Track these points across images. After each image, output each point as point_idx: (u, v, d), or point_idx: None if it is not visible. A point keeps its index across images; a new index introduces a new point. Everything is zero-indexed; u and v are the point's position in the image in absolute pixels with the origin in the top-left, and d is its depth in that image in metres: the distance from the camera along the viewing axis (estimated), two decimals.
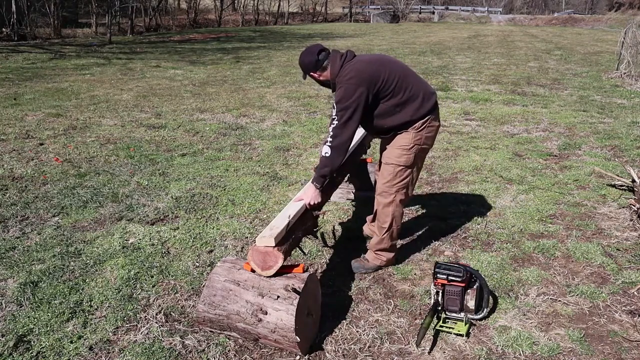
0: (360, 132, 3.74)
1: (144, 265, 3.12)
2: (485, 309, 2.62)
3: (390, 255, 3.14)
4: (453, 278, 2.57)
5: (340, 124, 2.72)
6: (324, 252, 3.36)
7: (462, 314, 2.59)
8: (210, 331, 2.50)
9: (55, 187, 4.35)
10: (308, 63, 2.85)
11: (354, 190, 4.09)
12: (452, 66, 12.52)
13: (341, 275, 3.08)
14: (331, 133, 2.74)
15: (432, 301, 2.64)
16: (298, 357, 2.38)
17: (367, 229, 3.51)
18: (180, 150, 5.45)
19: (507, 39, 21.52)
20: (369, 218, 3.50)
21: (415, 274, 3.11)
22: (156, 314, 2.66)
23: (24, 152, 5.29)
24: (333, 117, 2.76)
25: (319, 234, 3.44)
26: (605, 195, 4.34)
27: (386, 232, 3.04)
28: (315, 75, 2.87)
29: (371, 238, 3.23)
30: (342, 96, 2.73)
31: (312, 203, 2.78)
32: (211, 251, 3.33)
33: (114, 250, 3.31)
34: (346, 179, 3.84)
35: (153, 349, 2.41)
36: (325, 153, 2.76)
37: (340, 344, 2.48)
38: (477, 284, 2.61)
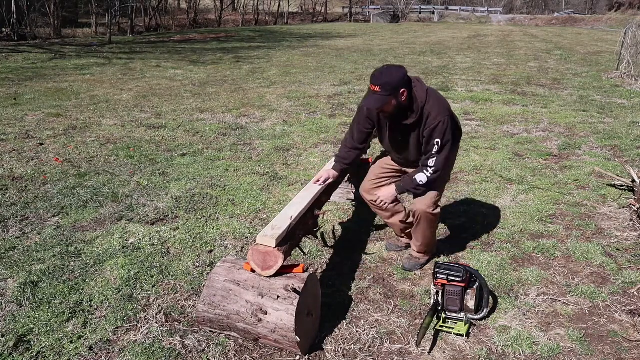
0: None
1: (144, 265, 3.12)
2: (485, 309, 2.62)
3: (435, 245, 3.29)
4: (453, 278, 2.58)
5: (442, 158, 2.79)
6: (324, 252, 3.36)
7: (462, 314, 2.59)
8: (210, 331, 2.50)
9: (55, 187, 4.35)
10: (399, 78, 2.63)
11: (354, 190, 4.08)
12: (452, 66, 12.52)
13: (341, 275, 3.09)
14: (432, 165, 2.79)
15: (432, 301, 2.64)
16: (298, 357, 2.38)
17: (400, 241, 3.43)
18: (180, 150, 5.45)
19: (507, 39, 21.52)
20: (396, 235, 3.43)
21: (415, 274, 3.11)
22: (156, 314, 2.67)
23: (24, 152, 5.29)
24: (433, 150, 2.76)
25: (319, 234, 3.44)
26: (605, 195, 4.34)
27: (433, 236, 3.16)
28: (397, 97, 2.64)
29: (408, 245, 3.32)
30: (445, 130, 2.73)
31: (384, 200, 3.03)
32: (211, 251, 3.33)
33: (114, 250, 3.31)
34: (346, 178, 3.84)
35: (153, 349, 2.41)
36: (420, 181, 2.83)
37: (340, 344, 2.48)
38: (477, 284, 2.61)
